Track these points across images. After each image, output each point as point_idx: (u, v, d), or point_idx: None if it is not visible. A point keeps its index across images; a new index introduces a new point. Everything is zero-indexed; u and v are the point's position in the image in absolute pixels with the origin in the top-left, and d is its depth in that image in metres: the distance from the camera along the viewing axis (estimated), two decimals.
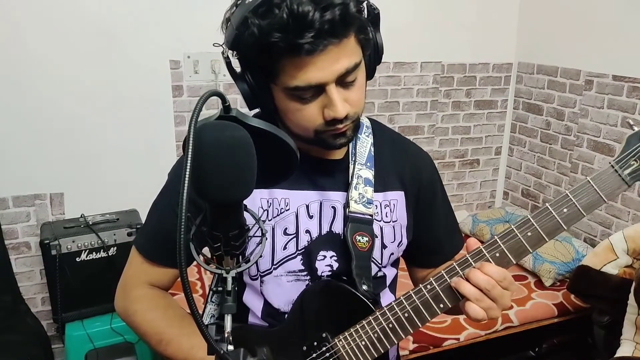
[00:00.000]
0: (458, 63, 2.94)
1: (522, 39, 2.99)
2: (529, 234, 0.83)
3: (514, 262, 0.84)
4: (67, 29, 2.22)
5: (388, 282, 1.07)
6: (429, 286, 0.87)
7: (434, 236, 1.10)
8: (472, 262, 0.85)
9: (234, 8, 0.81)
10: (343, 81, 0.83)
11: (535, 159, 3.00)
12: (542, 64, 2.87)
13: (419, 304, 0.88)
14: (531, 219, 0.83)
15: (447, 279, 0.86)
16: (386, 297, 1.06)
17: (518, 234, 0.84)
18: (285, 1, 0.74)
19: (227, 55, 0.85)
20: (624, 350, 1.85)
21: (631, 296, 1.88)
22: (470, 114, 3.07)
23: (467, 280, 0.83)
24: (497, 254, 0.84)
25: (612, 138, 2.50)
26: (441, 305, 0.87)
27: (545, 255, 2.43)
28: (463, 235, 3.06)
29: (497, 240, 0.84)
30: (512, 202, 3.21)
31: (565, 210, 0.82)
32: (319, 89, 0.82)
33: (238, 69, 0.87)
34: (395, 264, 1.08)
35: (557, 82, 2.77)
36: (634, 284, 1.88)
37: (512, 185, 3.21)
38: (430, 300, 0.87)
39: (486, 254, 0.84)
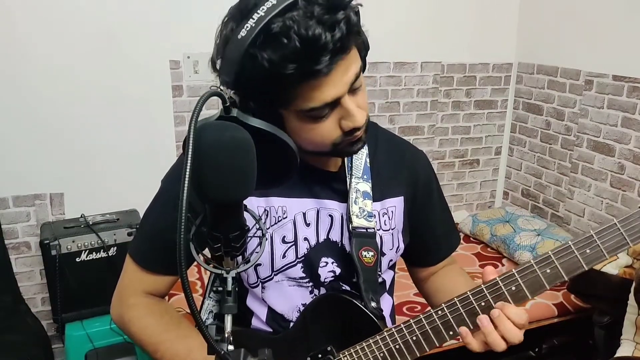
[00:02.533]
0: (458, 63, 2.94)
1: (522, 39, 2.99)
2: (548, 271, 0.81)
3: (530, 298, 0.83)
4: (66, 28, 2.22)
5: (387, 286, 1.07)
6: (440, 312, 0.86)
7: (430, 235, 1.10)
8: (488, 294, 0.84)
9: (225, 45, 0.76)
10: (352, 88, 0.82)
11: (535, 159, 3.00)
12: (542, 64, 2.87)
13: (428, 329, 0.87)
14: (552, 256, 0.80)
15: (460, 308, 0.85)
16: (385, 301, 1.06)
17: (537, 270, 0.81)
18: (291, 28, 0.70)
19: (230, 95, 0.77)
20: (624, 350, 1.85)
21: (631, 296, 1.87)
22: (470, 114, 3.07)
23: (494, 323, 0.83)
24: (513, 288, 0.82)
25: (612, 138, 2.50)
26: (451, 333, 0.86)
27: None
28: (462, 235, 3.06)
29: (515, 274, 0.82)
30: (512, 202, 3.21)
31: (587, 250, 0.79)
32: (333, 104, 0.81)
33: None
34: (392, 267, 1.08)
35: (557, 82, 2.77)
36: (634, 284, 1.87)
37: (512, 185, 3.21)
38: (441, 327, 0.86)
39: (502, 286, 0.83)
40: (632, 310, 1.87)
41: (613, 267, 2.07)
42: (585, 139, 2.65)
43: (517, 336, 0.82)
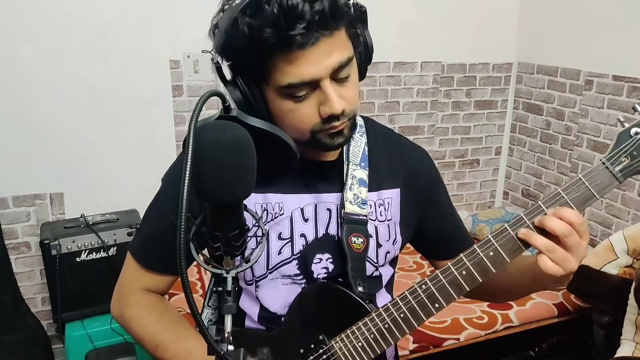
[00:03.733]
0: (458, 63, 2.94)
1: (522, 39, 2.99)
2: (523, 230, 0.84)
3: (508, 261, 0.85)
4: (66, 28, 2.22)
5: (384, 282, 1.06)
6: (424, 286, 0.88)
7: (452, 224, 1.10)
8: (467, 262, 0.86)
9: (221, 13, 0.80)
10: (337, 77, 0.82)
11: (535, 159, 3.00)
12: (542, 64, 2.87)
13: (414, 304, 0.89)
14: (524, 217, 0.84)
15: (442, 279, 0.87)
16: (383, 298, 1.06)
17: (511, 232, 0.84)
18: None
19: (217, 60, 0.83)
20: (624, 350, 1.85)
21: (631, 296, 1.87)
22: (470, 114, 3.07)
23: (543, 226, 0.82)
24: (492, 253, 0.85)
25: (612, 138, 2.49)
26: (436, 305, 0.88)
27: None
28: None
29: (491, 239, 0.85)
30: (512, 202, 3.21)
31: (557, 206, 0.83)
32: (313, 85, 0.81)
33: (229, 76, 0.84)
34: (392, 263, 1.08)
35: (557, 82, 2.77)
36: (634, 284, 1.88)
37: (512, 185, 3.21)
38: (426, 300, 0.88)
39: (480, 252, 0.85)
40: (632, 310, 1.87)
41: (613, 267, 2.07)
42: (585, 139, 2.65)
43: (563, 228, 0.79)
